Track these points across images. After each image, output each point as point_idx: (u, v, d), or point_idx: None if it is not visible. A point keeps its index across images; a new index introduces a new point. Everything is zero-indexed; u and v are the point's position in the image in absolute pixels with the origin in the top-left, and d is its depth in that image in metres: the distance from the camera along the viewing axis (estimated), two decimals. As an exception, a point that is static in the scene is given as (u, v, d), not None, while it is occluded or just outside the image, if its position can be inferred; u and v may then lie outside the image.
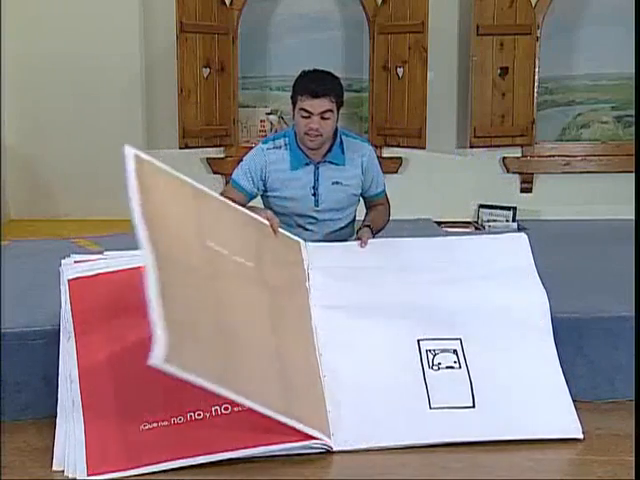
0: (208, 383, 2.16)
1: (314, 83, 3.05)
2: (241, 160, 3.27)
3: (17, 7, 5.47)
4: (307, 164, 3.15)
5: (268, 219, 2.88)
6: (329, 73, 3.14)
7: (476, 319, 2.81)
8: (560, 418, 2.65)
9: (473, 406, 2.64)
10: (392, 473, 2.42)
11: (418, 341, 2.75)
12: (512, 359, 2.75)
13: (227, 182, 5.64)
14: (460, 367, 2.71)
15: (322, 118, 3.03)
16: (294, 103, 3.09)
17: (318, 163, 3.16)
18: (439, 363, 2.72)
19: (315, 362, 2.67)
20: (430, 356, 2.73)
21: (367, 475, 2.43)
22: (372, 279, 2.90)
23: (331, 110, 3.05)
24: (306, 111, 3.02)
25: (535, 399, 2.67)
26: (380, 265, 2.94)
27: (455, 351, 2.74)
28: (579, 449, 2.58)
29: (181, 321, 2.17)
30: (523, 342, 2.79)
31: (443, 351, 2.74)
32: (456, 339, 2.76)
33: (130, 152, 2.44)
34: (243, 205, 3.11)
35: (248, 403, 2.29)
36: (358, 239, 3.05)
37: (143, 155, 2.50)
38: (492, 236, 3.32)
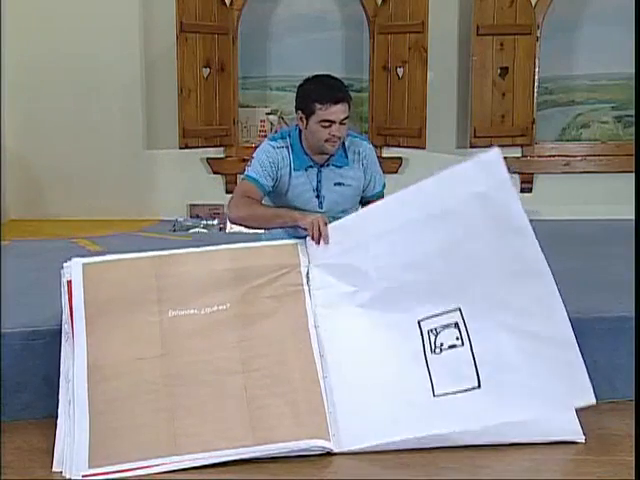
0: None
1: (331, 90, 2.98)
2: (251, 157, 3.17)
3: (18, 7, 5.47)
4: (310, 166, 3.12)
5: (315, 228, 2.84)
6: (334, 77, 3.10)
7: (471, 281, 2.66)
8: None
9: (479, 386, 2.58)
10: (392, 473, 2.43)
11: (419, 322, 2.68)
12: (514, 319, 2.59)
13: (227, 183, 5.70)
14: (463, 344, 2.63)
15: (341, 124, 2.99)
16: (309, 112, 2.99)
17: (321, 166, 3.13)
18: (441, 344, 2.66)
19: (314, 365, 2.67)
20: (432, 337, 2.66)
21: (367, 475, 2.43)
22: (367, 265, 2.81)
23: (348, 115, 3.01)
24: (328, 120, 2.95)
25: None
26: (372, 241, 2.81)
27: (457, 324, 2.66)
28: (579, 449, 2.58)
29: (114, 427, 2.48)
30: (522, 291, 2.61)
31: (444, 327, 2.67)
32: (455, 310, 2.67)
33: (77, 263, 2.70)
34: (259, 200, 3.10)
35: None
36: None
37: (89, 260, 2.76)
38: (458, 166, 2.85)
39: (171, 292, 2.74)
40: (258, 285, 2.80)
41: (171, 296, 2.73)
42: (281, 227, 3.02)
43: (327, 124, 2.96)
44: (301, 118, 3.03)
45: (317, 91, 2.99)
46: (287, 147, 3.12)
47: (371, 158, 3.21)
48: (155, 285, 2.74)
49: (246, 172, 3.11)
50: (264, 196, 3.13)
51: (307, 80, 3.09)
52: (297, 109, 3.06)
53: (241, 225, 3.13)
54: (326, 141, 3.00)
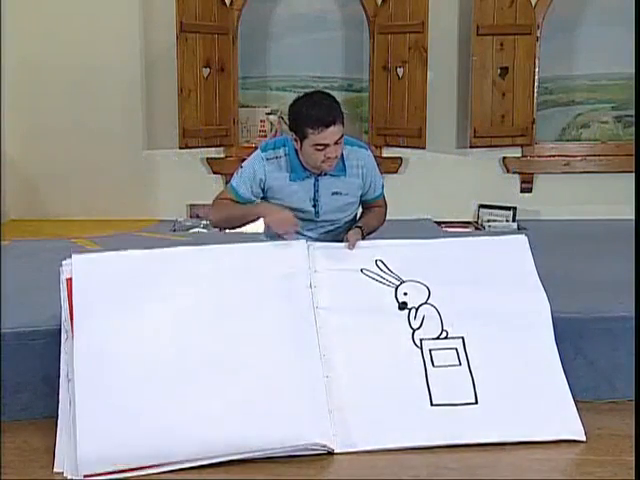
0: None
1: (323, 114, 2.90)
2: (240, 164, 3.18)
3: (17, 8, 5.47)
4: (307, 177, 3.09)
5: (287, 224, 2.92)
6: (325, 93, 3.05)
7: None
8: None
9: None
10: (393, 473, 2.42)
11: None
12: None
13: (227, 182, 5.69)
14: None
15: (336, 143, 2.94)
16: (302, 136, 2.94)
17: (318, 175, 3.09)
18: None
19: (316, 364, 2.67)
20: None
21: (367, 475, 2.43)
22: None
23: (342, 134, 2.97)
24: (322, 144, 2.91)
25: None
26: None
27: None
28: (579, 449, 2.58)
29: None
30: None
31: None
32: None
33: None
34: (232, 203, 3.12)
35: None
36: (347, 240, 3.01)
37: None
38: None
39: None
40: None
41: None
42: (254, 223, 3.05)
43: (321, 147, 2.92)
44: (295, 140, 2.99)
45: (308, 115, 2.91)
46: (280, 158, 3.08)
47: (370, 165, 3.18)
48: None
49: (231, 180, 3.14)
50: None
51: (297, 101, 3.01)
52: (290, 130, 3.02)
53: (222, 227, 3.14)
54: (323, 162, 2.99)
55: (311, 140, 2.92)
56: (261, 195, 3.14)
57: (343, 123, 2.97)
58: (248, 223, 3.08)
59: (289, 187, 3.08)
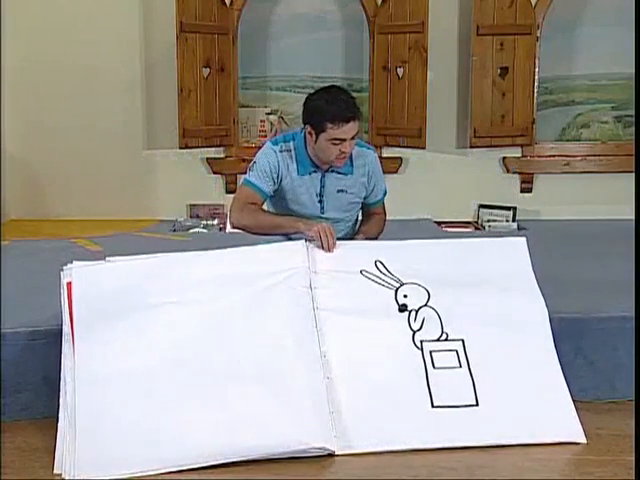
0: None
1: (343, 109, 2.93)
2: (252, 161, 3.15)
3: (19, 8, 5.47)
4: (314, 171, 3.11)
5: (323, 235, 2.88)
6: (341, 89, 3.08)
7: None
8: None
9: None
10: (393, 473, 2.43)
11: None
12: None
13: (227, 183, 5.70)
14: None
15: (352, 139, 2.97)
16: (319, 130, 2.95)
17: (325, 171, 3.11)
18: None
19: (317, 366, 2.67)
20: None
21: (367, 475, 2.43)
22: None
23: (358, 131, 2.99)
24: (339, 139, 2.93)
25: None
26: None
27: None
28: (579, 449, 2.59)
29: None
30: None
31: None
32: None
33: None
34: (260, 207, 3.10)
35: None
36: None
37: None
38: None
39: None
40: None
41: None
42: (283, 235, 3.03)
43: (338, 142, 2.95)
44: (310, 133, 3.00)
45: (329, 110, 2.93)
46: (290, 151, 3.09)
47: (375, 168, 3.20)
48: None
49: (247, 177, 3.10)
50: (264, 200, 3.13)
51: (316, 95, 3.03)
52: (306, 123, 3.02)
53: (242, 231, 3.12)
54: (336, 157, 2.99)
55: (329, 134, 2.94)
56: (275, 188, 3.11)
57: (360, 119, 2.98)
58: (280, 234, 3.05)
59: (298, 181, 3.09)
